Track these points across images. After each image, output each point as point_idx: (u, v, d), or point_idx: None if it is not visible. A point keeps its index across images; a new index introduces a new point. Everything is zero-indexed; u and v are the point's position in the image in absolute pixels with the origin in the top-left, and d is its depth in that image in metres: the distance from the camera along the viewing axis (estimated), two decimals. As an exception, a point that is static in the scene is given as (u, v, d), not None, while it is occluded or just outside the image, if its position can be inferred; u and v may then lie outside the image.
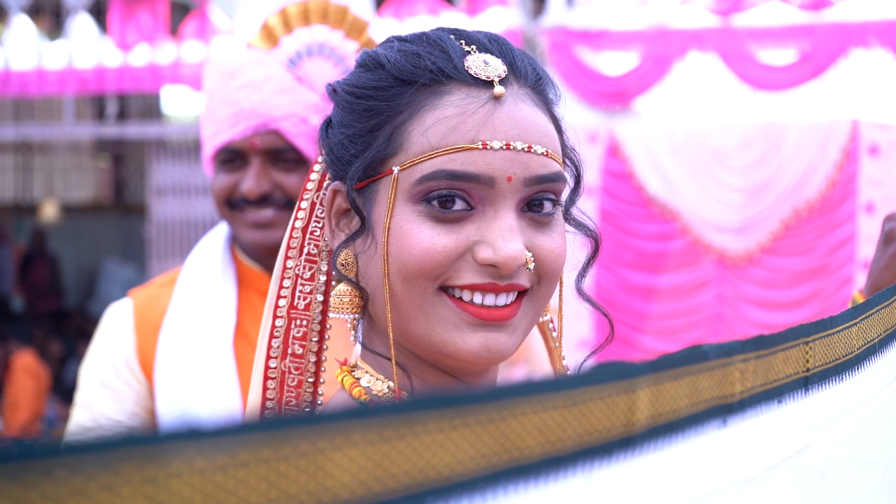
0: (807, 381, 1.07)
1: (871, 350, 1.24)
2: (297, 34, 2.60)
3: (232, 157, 2.53)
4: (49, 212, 16.35)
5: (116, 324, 2.64)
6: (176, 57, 11.03)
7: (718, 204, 9.44)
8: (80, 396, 2.64)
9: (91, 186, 18.06)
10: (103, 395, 2.59)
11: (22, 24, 11.60)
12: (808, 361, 1.07)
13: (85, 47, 11.32)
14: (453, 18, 10.42)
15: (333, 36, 2.60)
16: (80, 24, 11.44)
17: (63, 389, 11.25)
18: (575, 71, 9.98)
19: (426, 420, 0.58)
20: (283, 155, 2.50)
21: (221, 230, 2.69)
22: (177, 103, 14.58)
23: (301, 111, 2.48)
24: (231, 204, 2.53)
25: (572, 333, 8.87)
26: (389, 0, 10.65)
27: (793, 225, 9.30)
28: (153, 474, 0.47)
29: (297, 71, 2.54)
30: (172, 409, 2.54)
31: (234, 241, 2.66)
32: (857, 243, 9.00)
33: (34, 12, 12.63)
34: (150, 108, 14.23)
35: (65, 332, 13.95)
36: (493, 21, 10.26)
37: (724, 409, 0.92)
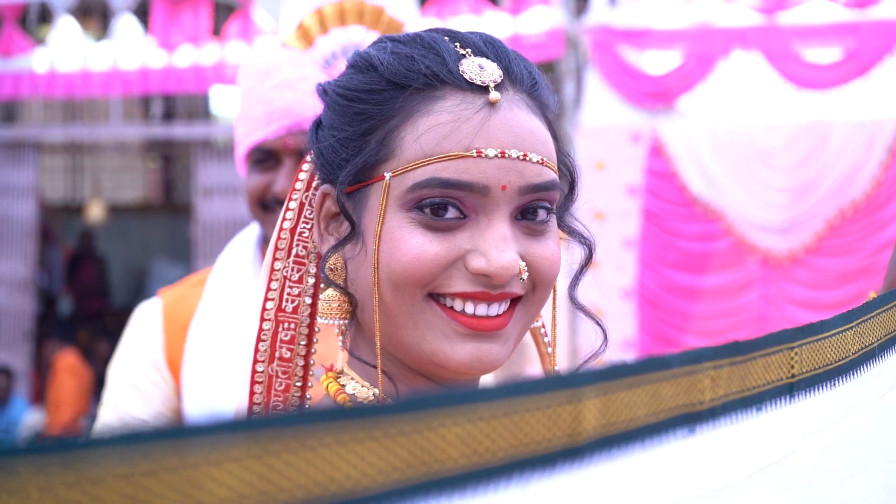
0: (792, 388, 1.05)
1: (870, 354, 1.20)
2: (333, 34, 2.60)
3: (265, 157, 2.52)
4: (97, 212, 16.46)
5: (145, 323, 2.65)
6: (220, 57, 11.07)
7: (762, 204, 9.36)
8: (108, 396, 2.65)
9: (140, 187, 18.19)
10: (130, 395, 2.60)
11: (67, 26, 11.68)
12: (793, 367, 1.05)
13: (129, 48, 11.38)
14: (496, 18, 10.40)
15: (369, 36, 2.59)
16: (125, 25, 11.51)
17: (109, 390, 11.32)
18: (618, 70, 9.93)
19: (322, 433, 0.56)
20: None
21: (252, 231, 2.69)
22: (224, 103, 14.64)
23: None
24: (263, 205, 2.53)
25: (616, 334, 8.83)
26: (432, 0, 10.64)
27: (838, 225, 9.21)
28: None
29: (333, 71, 2.53)
30: (199, 410, 2.54)
31: (265, 243, 2.65)
32: (903, 244, 8.87)
33: (81, 14, 12.72)
34: (197, 109, 14.29)
35: (111, 332, 14.05)
36: (536, 20, 10.23)
37: (692, 417, 0.90)
